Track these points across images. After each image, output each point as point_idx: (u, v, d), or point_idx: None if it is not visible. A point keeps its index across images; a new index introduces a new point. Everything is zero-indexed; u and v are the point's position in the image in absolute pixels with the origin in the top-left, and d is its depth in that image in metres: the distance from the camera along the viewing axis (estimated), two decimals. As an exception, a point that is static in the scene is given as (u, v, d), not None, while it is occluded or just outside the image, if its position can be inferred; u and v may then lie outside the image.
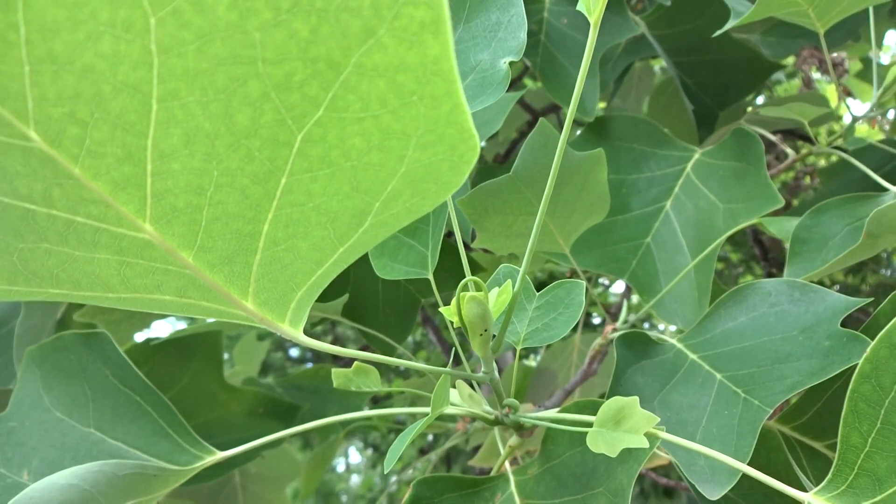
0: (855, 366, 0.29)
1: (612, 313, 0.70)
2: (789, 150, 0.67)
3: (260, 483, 0.84)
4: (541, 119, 0.44)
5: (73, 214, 0.15)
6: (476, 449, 0.75)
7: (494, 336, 0.33)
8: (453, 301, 0.30)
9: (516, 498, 0.37)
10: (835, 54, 1.29)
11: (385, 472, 0.30)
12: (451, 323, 0.32)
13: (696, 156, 0.63)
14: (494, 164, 0.96)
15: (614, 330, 0.52)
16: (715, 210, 0.58)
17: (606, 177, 0.48)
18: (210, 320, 0.37)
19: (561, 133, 0.33)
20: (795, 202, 1.02)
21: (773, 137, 0.70)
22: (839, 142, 0.62)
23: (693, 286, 0.57)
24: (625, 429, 0.29)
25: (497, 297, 0.31)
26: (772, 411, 0.35)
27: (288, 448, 0.82)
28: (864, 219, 0.51)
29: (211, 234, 0.16)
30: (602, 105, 1.12)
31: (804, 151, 0.64)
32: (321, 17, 0.13)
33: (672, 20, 0.83)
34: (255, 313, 0.19)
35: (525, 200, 0.46)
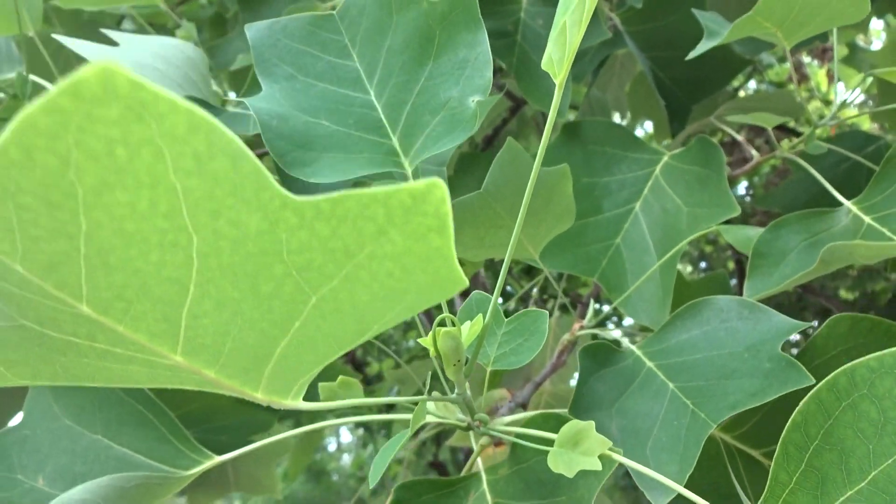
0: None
1: (583, 304, 0.74)
2: (754, 152, 0.70)
3: (249, 461, 0.89)
4: (509, 139, 0.47)
5: (113, 347, 0.18)
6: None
7: (468, 359, 0.36)
8: (430, 335, 0.34)
9: (488, 497, 0.41)
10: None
11: (371, 487, 0.34)
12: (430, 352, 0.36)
13: (665, 159, 0.66)
14: (476, 151, 0.98)
15: (581, 327, 0.56)
16: (680, 213, 0.62)
17: (571, 189, 0.51)
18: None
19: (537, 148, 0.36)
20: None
21: (739, 138, 0.73)
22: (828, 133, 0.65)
23: (658, 285, 0.61)
24: (581, 451, 0.33)
25: (469, 329, 0.35)
26: (714, 426, 0.39)
27: (278, 428, 0.86)
28: (820, 234, 0.54)
29: (232, 358, 0.19)
30: (584, 90, 1.14)
31: (766, 156, 0.68)
32: (340, 221, 0.16)
33: (647, 16, 0.84)
34: (264, 400, 0.23)
35: (495, 214, 0.49)
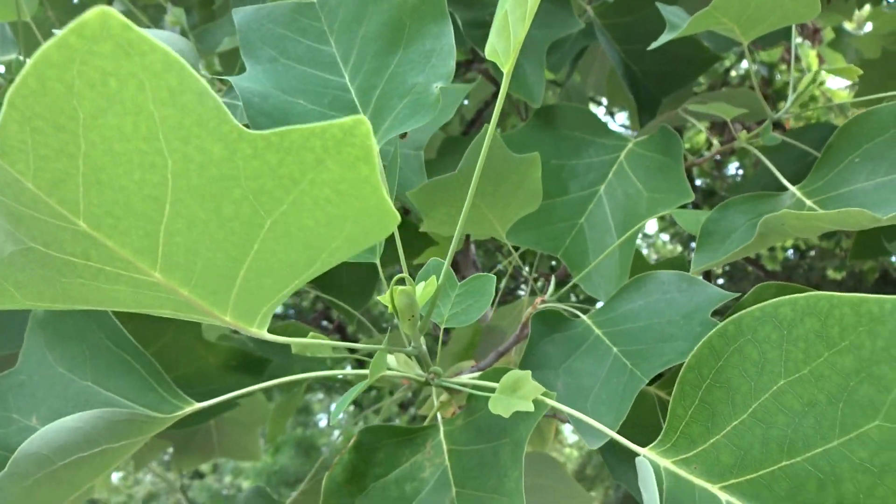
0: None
1: (547, 280, 0.78)
2: (714, 141, 0.75)
3: (232, 427, 0.93)
4: (485, 125, 0.51)
5: (104, 265, 0.22)
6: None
7: (423, 316, 0.41)
8: (388, 293, 0.38)
9: (444, 444, 0.46)
10: (809, 23, 1.35)
11: (331, 423, 0.38)
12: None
13: (630, 145, 0.70)
14: (459, 136, 1.02)
15: (543, 301, 0.60)
16: (640, 197, 0.66)
17: (540, 175, 0.55)
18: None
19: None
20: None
21: (701, 128, 0.77)
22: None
23: (616, 264, 0.65)
24: (518, 396, 0.37)
25: (423, 289, 0.39)
26: (647, 381, 0.43)
27: (259, 396, 0.91)
28: (764, 215, 0.59)
29: (202, 277, 0.23)
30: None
31: (725, 146, 0.72)
32: (287, 152, 0.20)
33: (620, 10, 0.89)
34: (232, 324, 0.26)
35: (464, 195, 0.53)
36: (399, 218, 0.23)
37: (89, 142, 0.18)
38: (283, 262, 0.24)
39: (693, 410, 0.31)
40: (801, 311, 0.27)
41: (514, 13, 0.34)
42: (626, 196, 0.68)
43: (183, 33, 0.76)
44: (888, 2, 1.32)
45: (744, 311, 0.30)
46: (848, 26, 1.50)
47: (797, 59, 1.62)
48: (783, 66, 1.92)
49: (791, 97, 0.69)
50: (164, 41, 0.57)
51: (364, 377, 0.45)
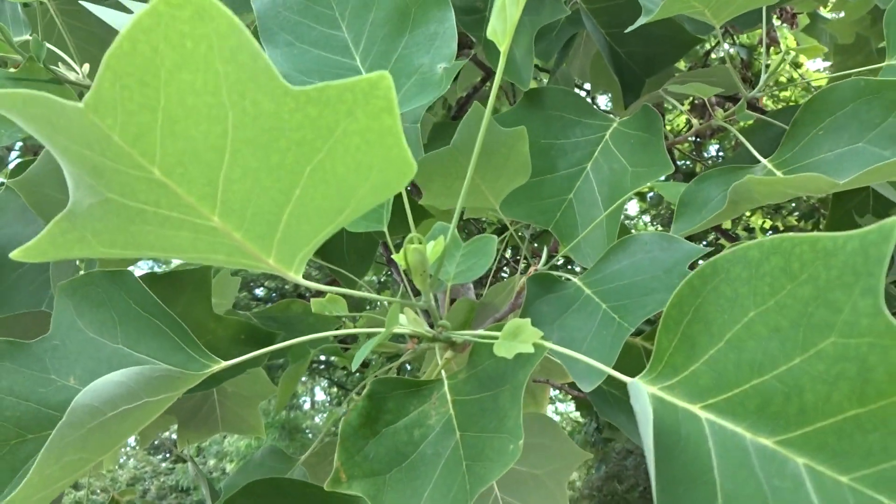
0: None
1: (540, 253, 0.82)
2: (693, 120, 0.79)
3: (235, 401, 0.96)
4: (475, 102, 0.55)
5: (170, 211, 0.26)
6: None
7: (431, 275, 0.44)
8: (401, 251, 0.42)
9: (448, 395, 0.50)
10: (788, 8, 1.39)
11: (353, 371, 0.42)
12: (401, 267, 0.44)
13: (614, 125, 0.74)
14: (447, 121, 1.06)
15: (536, 270, 0.65)
16: (625, 172, 0.70)
17: (528, 148, 0.59)
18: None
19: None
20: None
21: (680, 107, 0.81)
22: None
23: (603, 234, 0.69)
24: (519, 340, 0.41)
25: (433, 248, 0.43)
26: (633, 329, 0.47)
27: (260, 371, 0.94)
28: (747, 177, 0.63)
29: (252, 222, 0.27)
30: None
31: (703, 125, 0.76)
32: (324, 105, 0.23)
33: (604, -6, 0.93)
34: (275, 267, 0.30)
35: (461, 167, 0.57)
36: (416, 167, 0.27)
37: (167, 96, 0.22)
38: (319, 208, 0.28)
39: (676, 342, 0.35)
40: (767, 251, 0.32)
41: (511, -3, 0.38)
42: (612, 172, 0.72)
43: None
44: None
45: (718, 255, 0.34)
46: (823, 12, 1.55)
47: (774, 41, 1.67)
48: (762, 49, 1.97)
49: (763, 76, 0.74)
50: None
51: (375, 335, 0.49)
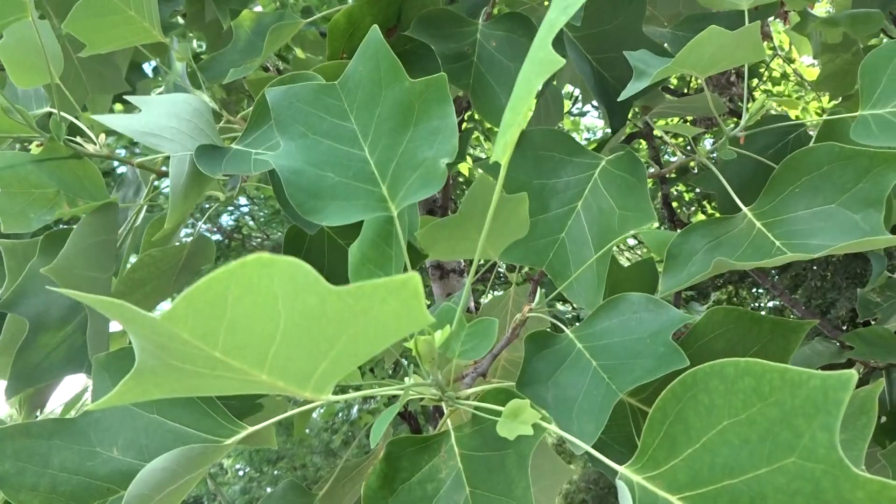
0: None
1: (534, 285, 0.87)
2: (679, 154, 0.83)
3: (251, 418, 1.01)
4: (480, 173, 0.59)
5: (223, 373, 0.30)
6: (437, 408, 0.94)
7: (438, 354, 0.49)
8: (412, 340, 0.46)
9: (455, 448, 0.55)
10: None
11: (373, 445, 0.47)
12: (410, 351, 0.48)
13: (602, 163, 0.78)
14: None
15: (530, 310, 0.69)
16: (613, 213, 0.74)
17: (527, 211, 0.63)
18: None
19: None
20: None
21: (668, 140, 0.85)
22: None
23: (594, 274, 0.74)
24: (520, 420, 0.46)
25: (440, 336, 0.47)
26: (621, 395, 0.52)
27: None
28: (720, 237, 0.67)
29: (293, 374, 0.32)
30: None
31: (685, 158, 0.80)
32: (360, 297, 0.28)
33: (592, 22, 0.95)
34: (309, 397, 0.35)
35: (466, 231, 0.62)
36: (432, 319, 0.31)
37: (232, 312, 0.26)
38: (349, 358, 0.33)
39: (659, 440, 0.40)
40: (741, 371, 0.36)
41: (513, 119, 0.42)
42: (601, 211, 0.76)
43: (189, 67, 0.82)
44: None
45: (697, 368, 0.39)
46: (812, 10, 1.57)
47: (767, 36, 1.69)
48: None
49: (745, 117, 0.77)
50: (182, 102, 0.64)
51: (391, 395, 0.53)
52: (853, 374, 0.32)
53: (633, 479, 0.41)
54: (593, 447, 0.53)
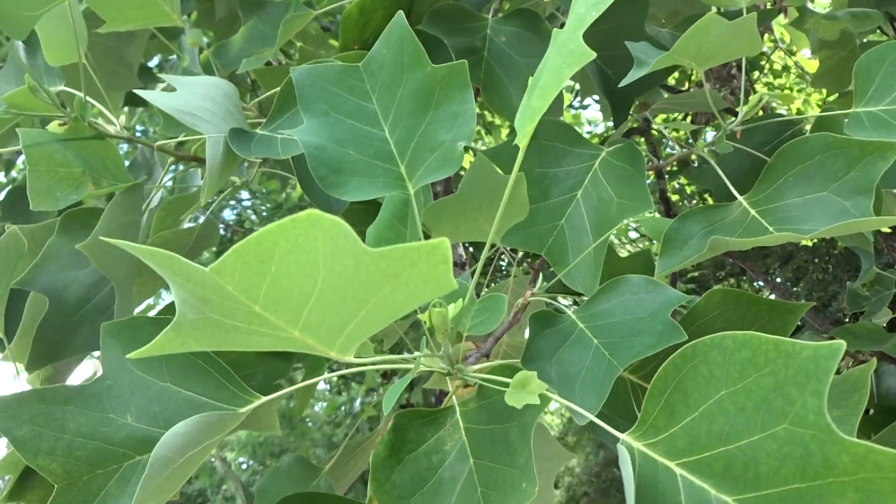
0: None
1: (535, 271, 0.89)
2: (678, 147, 0.85)
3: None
4: (479, 153, 0.61)
5: (260, 327, 0.32)
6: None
7: (450, 328, 0.51)
8: (426, 312, 0.48)
9: (461, 423, 0.57)
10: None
11: (385, 413, 0.49)
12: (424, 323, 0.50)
13: (602, 154, 0.81)
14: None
15: (532, 294, 0.72)
16: (611, 202, 0.77)
17: (526, 192, 0.65)
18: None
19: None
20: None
21: (666, 134, 0.88)
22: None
23: (591, 261, 0.76)
24: (527, 391, 0.48)
25: (453, 310, 0.49)
26: (623, 369, 0.55)
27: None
28: (715, 224, 0.70)
29: (324, 333, 0.33)
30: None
31: (684, 151, 0.83)
32: (392, 259, 0.30)
33: (597, 20, 0.97)
34: (334, 356, 0.37)
35: (467, 211, 0.64)
36: (456, 285, 0.34)
37: (276, 267, 0.28)
38: (376, 320, 0.35)
39: (659, 409, 0.43)
40: (738, 343, 0.39)
41: (538, 108, 0.44)
42: (600, 200, 0.78)
43: (201, 52, 0.83)
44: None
45: (697, 340, 0.41)
46: (811, 5, 1.59)
47: (768, 29, 1.72)
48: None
49: (741, 113, 0.80)
50: (214, 85, 0.66)
51: (403, 369, 0.55)
52: (842, 343, 0.34)
53: (634, 445, 0.43)
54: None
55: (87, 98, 0.62)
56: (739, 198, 0.71)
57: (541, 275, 0.76)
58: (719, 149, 0.81)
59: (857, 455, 0.34)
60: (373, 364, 0.49)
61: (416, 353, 0.50)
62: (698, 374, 0.40)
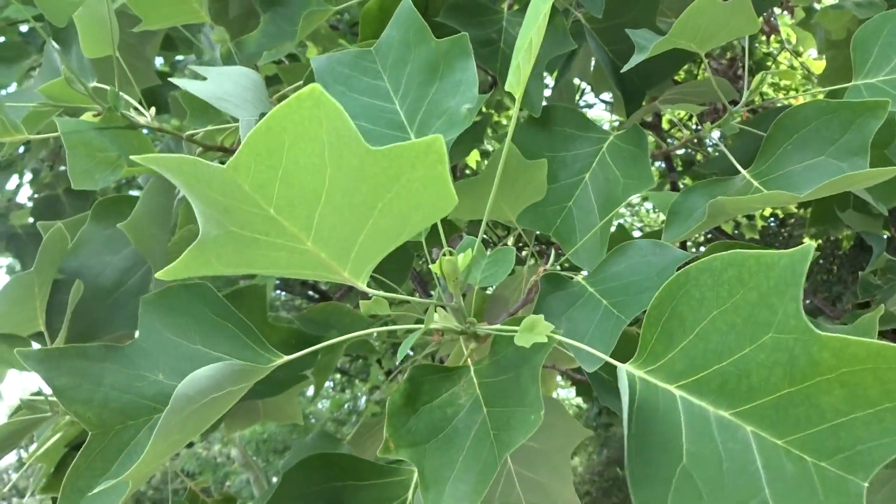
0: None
1: (547, 253, 0.91)
2: (685, 131, 0.88)
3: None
4: (495, 150, 0.65)
5: (276, 239, 0.35)
6: (444, 358, 0.98)
7: (461, 280, 0.54)
8: (437, 262, 0.51)
9: (474, 378, 0.59)
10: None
11: (399, 361, 0.52)
12: (436, 274, 0.53)
13: (611, 138, 0.84)
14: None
15: (545, 271, 0.74)
16: (618, 182, 0.79)
17: (545, 176, 0.69)
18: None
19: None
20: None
21: (673, 118, 0.90)
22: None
23: (598, 240, 0.78)
24: (535, 332, 0.51)
25: (462, 259, 0.52)
26: (629, 321, 0.57)
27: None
28: (718, 196, 0.72)
29: (335, 246, 0.36)
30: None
31: (690, 135, 0.85)
32: (393, 159, 0.32)
33: (609, 14, 1.01)
34: (348, 278, 0.40)
35: (486, 191, 0.67)
36: (457, 200, 0.36)
37: (287, 158, 0.32)
38: (384, 234, 0.38)
39: (657, 335, 0.45)
40: (725, 263, 0.41)
41: (523, 57, 0.47)
42: (607, 181, 0.81)
43: (225, 49, 0.89)
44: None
45: (689, 266, 0.43)
46: (818, 5, 1.61)
47: (774, 30, 1.75)
48: (762, 37, 2.06)
49: (745, 94, 0.82)
50: (243, 74, 0.70)
51: (411, 330, 0.58)
52: (811, 244, 0.36)
53: (635, 373, 0.45)
54: (602, 370, 0.57)
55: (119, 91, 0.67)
56: (743, 171, 0.74)
57: (553, 252, 0.79)
58: (726, 130, 0.83)
59: (835, 350, 0.35)
60: (387, 299, 0.52)
61: (429, 301, 0.52)
62: (691, 298, 0.42)
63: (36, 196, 1.78)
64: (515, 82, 0.49)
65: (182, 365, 0.59)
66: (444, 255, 0.51)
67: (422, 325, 0.57)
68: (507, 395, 0.55)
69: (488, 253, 0.57)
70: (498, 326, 0.56)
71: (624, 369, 0.45)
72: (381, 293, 0.48)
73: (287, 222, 0.35)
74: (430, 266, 0.52)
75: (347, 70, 0.57)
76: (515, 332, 0.54)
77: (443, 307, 0.56)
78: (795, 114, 0.67)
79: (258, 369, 0.55)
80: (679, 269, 0.59)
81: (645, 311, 0.56)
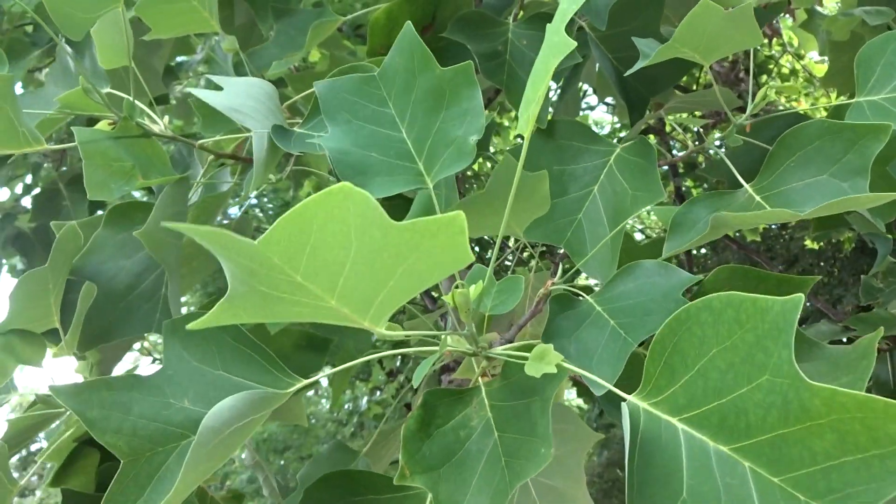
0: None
1: (555, 264, 0.93)
2: (690, 143, 0.89)
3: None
4: (506, 154, 0.67)
5: (301, 297, 0.38)
6: (445, 366, 1.01)
7: (473, 309, 0.56)
8: (449, 294, 0.54)
9: (486, 401, 0.61)
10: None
11: (415, 387, 0.54)
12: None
13: (617, 151, 0.85)
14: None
15: (553, 284, 0.76)
16: (626, 194, 0.81)
17: (548, 188, 0.70)
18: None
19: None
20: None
21: (679, 130, 0.92)
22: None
23: (608, 251, 0.80)
24: (545, 362, 0.53)
25: (474, 290, 0.54)
26: (637, 345, 0.59)
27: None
28: (720, 209, 0.74)
29: (358, 302, 0.39)
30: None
31: (696, 146, 0.87)
32: (415, 231, 0.35)
33: (613, 22, 1.02)
34: (368, 326, 0.42)
35: (493, 207, 0.69)
36: (473, 259, 0.39)
37: (315, 237, 0.34)
38: (404, 290, 0.40)
39: (660, 370, 0.47)
40: (724, 304, 0.43)
41: (534, 98, 0.49)
42: (615, 194, 0.83)
43: (236, 58, 0.90)
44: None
45: (689, 304, 0.45)
46: (820, 8, 1.61)
47: (776, 33, 1.75)
48: (764, 40, 2.06)
49: (750, 106, 0.84)
50: (256, 85, 0.72)
51: (426, 353, 0.61)
52: (800, 296, 0.38)
53: (640, 405, 0.47)
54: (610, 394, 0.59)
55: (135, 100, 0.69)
56: (745, 185, 0.75)
57: (560, 265, 0.81)
58: (729, 142, 0.84)
59: (825, 398, 0.38)
60: (404, 335, 0.54)
61: (445, 332, 0.55)
62: (692, 335, 0.45)
63: (38, 190, 1.81)
64: (524, 124, 0.50)
65: (206, 391, 0.61)
66: (457, 286, 0.53)
67: (433, 342, 0.59)
68: (517, 422, 0.57)
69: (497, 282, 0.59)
70: (509, 351, 0.59)
71: (629, 404, 0.47)
72: (393, 334, 0.51)
73: (312, 286, 0.37)
74: (443, 297, 0.55)
75: (352, 96, 0.59)
76: (526, 358, 0.56)
77: (458, 334, 0.58)
78: (799, 132, 0.69)
79: (278, 395, 0.58)
80: (684, 293, 0.61)
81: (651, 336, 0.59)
